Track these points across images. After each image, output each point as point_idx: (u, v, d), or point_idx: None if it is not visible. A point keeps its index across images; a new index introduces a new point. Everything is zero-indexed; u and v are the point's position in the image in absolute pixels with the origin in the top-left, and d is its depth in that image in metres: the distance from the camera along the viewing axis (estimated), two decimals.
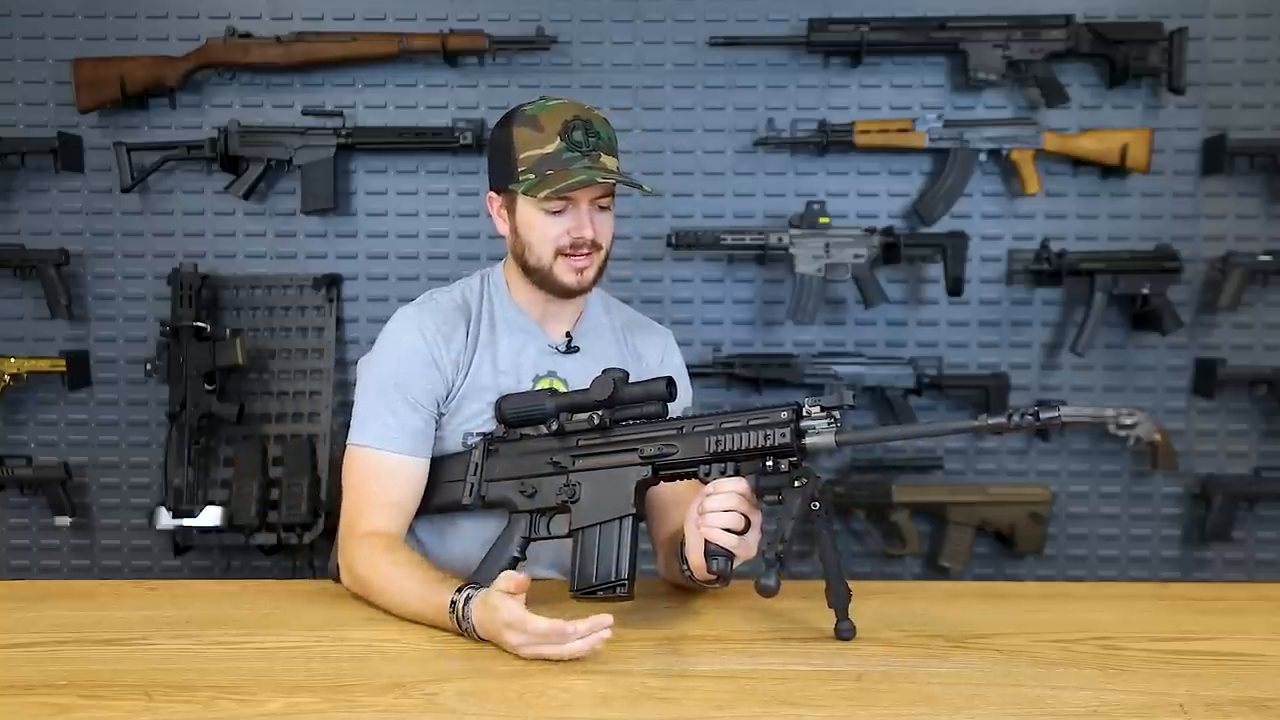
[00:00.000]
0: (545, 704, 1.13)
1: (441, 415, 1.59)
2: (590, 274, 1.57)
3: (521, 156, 1.53)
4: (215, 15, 2.67)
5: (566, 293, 1.58)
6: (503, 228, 1.61)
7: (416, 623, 1.40)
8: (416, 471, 1.56)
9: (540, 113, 1.54)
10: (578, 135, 1.52)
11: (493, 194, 1.62)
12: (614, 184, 1.55)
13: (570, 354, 1.64)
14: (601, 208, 1.56)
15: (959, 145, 2.61)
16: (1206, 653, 1.29)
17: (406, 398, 1.55)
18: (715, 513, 1.31)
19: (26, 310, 2.74)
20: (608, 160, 1.54)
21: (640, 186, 1.57)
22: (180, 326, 2.59)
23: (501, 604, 1.27)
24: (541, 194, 1.50)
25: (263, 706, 1.12)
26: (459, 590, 1.35)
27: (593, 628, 1.24)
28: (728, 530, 1.31)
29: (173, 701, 1.13)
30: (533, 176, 1.51)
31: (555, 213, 1.53)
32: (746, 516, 1.32)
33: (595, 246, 1.56)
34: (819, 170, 2.70)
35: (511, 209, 1.58)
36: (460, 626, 1.33)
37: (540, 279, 1.58)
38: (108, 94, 2.61)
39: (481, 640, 1.31)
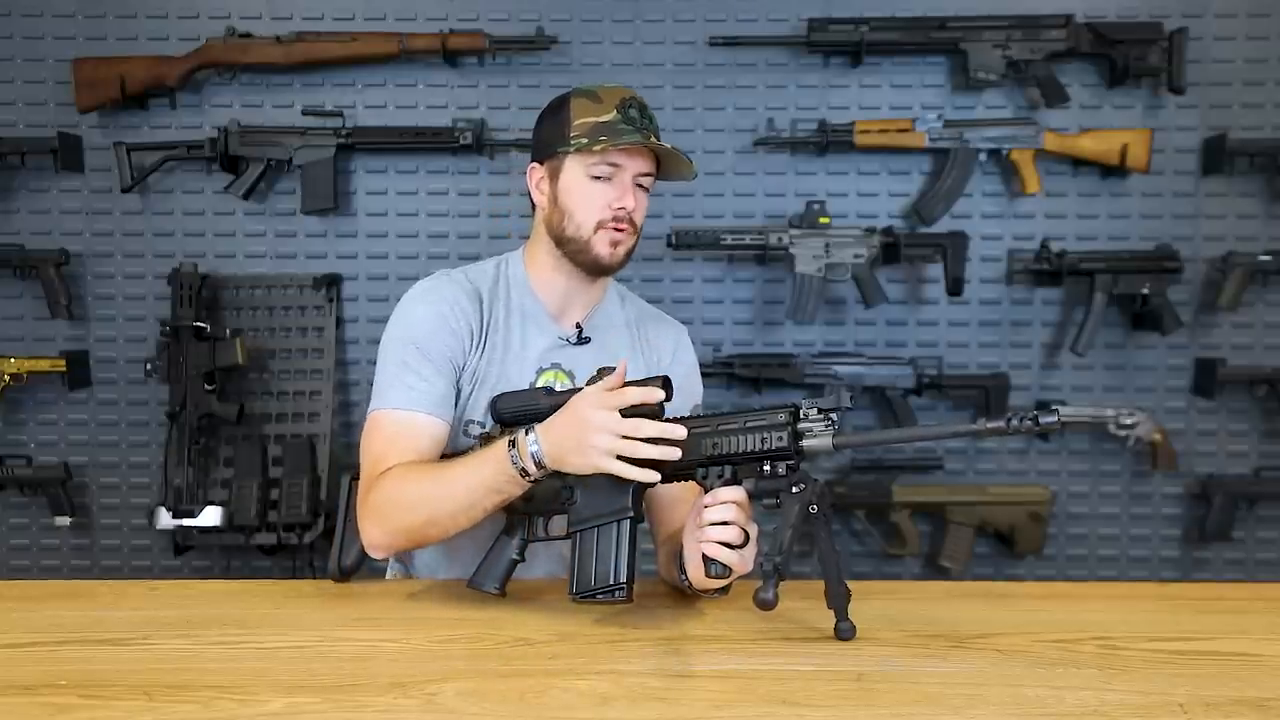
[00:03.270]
0: (545, 704, 1.13)
1: (458, 392, 1.58)
2: (622, 251, 1.58)
3: (576, 123, 1.55)
4: (215, 15, 2.67)
5: (598, 267, 1.58)
6: (540, 199, 1.61)
7: (470, 515, 1.43)
8: (441, 433, 1.54)
9: (599, 89, 1.58)
10: (633, 112, 1.55)
11: (535, 165, 1.62)
12: (656, 168, 1.58)
13: (580, 345, 1.63)
14: (642, 188, 1.58)
15: (959, 145, 2.61)
16: (1206, 653, 1.29)
17: (429, 358, 1.54)
18: (713, 525, 1.31)
19: (26, 310, 2.74)
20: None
21: (689, 163, 1.58)
22: (180, 326, 2.60)
23: (586, 392, 1.35)
24: (596, 148, 1.52)
25: (263, 706, 1.12)
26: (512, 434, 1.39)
27: (663, 431, 1.32)
28: (725, 544, 1.30)
29: (173, 701, 1.13)
30: (585, 140, 1.53)
31: (600, 179, 1.55)
32: (744, 530, 1.31)
33: (632, 224, 1.57)
34: (819, 170, 2.70)
35: (554, 177, 1.58)
36: (524, 463, 1.37)
37: (574, 250, 1.57)
38: (108, 94, 2.61)
39: (534, 481, 1.38)
